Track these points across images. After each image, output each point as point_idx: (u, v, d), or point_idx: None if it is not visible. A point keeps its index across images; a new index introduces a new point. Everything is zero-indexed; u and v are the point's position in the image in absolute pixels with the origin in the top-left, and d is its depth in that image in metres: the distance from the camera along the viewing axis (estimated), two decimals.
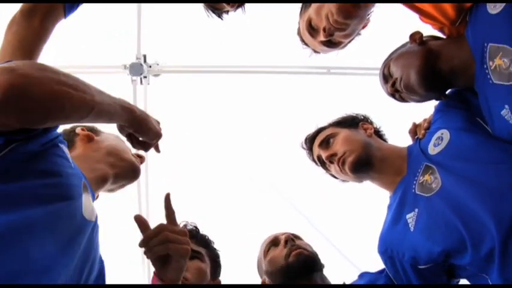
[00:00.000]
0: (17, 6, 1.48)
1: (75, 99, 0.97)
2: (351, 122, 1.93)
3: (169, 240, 1.23)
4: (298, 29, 1.86)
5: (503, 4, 1.33)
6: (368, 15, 1.73)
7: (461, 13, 1.51)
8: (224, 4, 1.60)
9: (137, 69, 2.97)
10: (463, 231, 1.42)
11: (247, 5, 1.79)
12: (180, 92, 3.53)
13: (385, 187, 1.81)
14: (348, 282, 1.87)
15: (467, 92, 1.64)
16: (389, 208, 1.77)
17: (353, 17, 1.62)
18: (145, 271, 3.21)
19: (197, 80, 3.48)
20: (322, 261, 1.87)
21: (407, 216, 1.63)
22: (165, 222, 1.29)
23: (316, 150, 1.91)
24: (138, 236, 1.28)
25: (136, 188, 3.14)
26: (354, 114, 1.98)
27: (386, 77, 1.69)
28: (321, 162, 1.90)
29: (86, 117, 1.05)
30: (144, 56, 3.03)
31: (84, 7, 1.60)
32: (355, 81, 3.24)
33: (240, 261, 2.54)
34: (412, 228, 1.60)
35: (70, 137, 1.53)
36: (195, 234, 1.88)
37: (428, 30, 1.67)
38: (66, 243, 1.07)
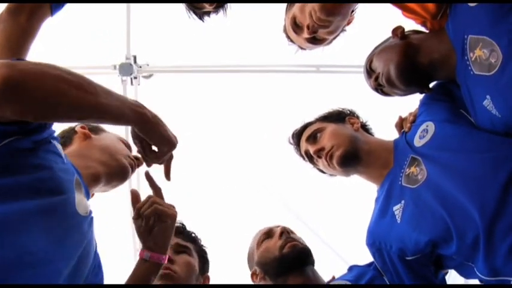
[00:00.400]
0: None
1: (73, 98, 0.97)
2: (338, 117, 1.94)
3: (157, 202, 1.38)
4: (284, 27, 1.88)
5: None
6: (352, 11, 1.76)
7: (441, 7, 1.53)
8: (204, 4, 1.61)
9: (127, 69, 2.97)
10: (448, 220, 1.45)
11: (235, 4, 1.80)
12: (171, 93, 3.55)
13: (373, 180, 1.82)
14: (337, 276, 1.89)
15: (451, 84, 1.66)
16: (376, 201, 1.79)
17: (336, 14, 1.64)
18: None
19: (188, 80, 3.49)
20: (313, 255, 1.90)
21: (394, 208, 1.65)
22: None
23: (304, 145, 1.92)
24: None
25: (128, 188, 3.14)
26: (341, 109, 2.00)
27: (369, 72, 1.72)
28: (309, 157, 1.91)
29: (88, 118, 1.07)
30: (134, 57, 3.04)
31: (72, 7, 1.61)
32: (344, 79, 3.26)
33: (233, 259, 2.55)
34: (399, 220, 1.62)
35: (69, 134, 1.57)
36: (181, 231, 1.90)
37: (413, 25, 1.70)
38: (61, 236, 1.09)
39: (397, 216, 1.63)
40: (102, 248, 1.40)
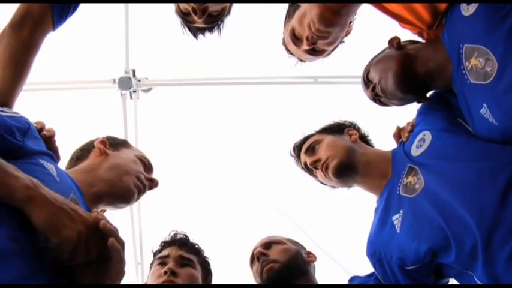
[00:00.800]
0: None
1: None
2: (337, 129, 1.96)
3: None
4: (283, 39, 1.90)
5: (476, 6, 1.37)
6: (350, 22, 1.77)
7: (436, 17, 1.55)
8: (195, 18, 1.61)
9: (126, 83, 2.98)
10: (446, 228, 1.45)
11: (233, 17, 1.81)
12: (171, 106, 3.56)
13: (372, 191, 1.83)
14: None
15: (448, 93, 1.67)
16: (376, 211, 1.79)
17: (334, 25, 1.66)
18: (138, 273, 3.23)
19: (187, 93, 3.50)
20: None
21: (393, 218, 1.65)
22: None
23: (303, 157, 1.94)
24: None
25: None
26: (341, 121, 2.02)
27: (367, 82, 1.73)
28: (308, 169, 1.93)
29: None
30: (133, 71, 3.05)
31: (72, 21, 1.63)
32: (342, 89, 3.28)
33: (233, 269, 2.55)
34: (398, 230, 1.62)
35: (88, 148, 1.57)
36: (185, 242, 1.91)
37: (410, 35, 1.72)
38: None
39: (396, 226, 1.63)
40: None
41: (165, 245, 1.96)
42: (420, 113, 1.78)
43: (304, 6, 1.69)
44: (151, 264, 1.95)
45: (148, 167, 1.60)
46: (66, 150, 1.62)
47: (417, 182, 1.59)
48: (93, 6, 1.65)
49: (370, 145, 1.96)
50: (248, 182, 3.67)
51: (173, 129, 3.61)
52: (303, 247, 2.07)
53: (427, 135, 1.66)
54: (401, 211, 1.62)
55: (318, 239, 3.15)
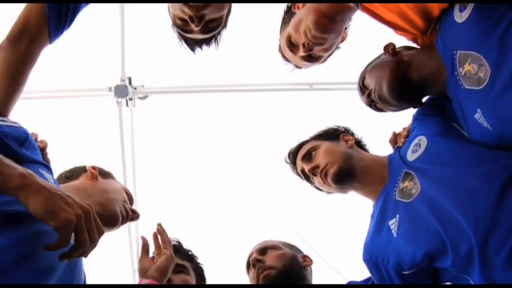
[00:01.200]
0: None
1: None
2: (332, 135, 1.97)
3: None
4: (279, 46, 1.91)
5: (468, 13, 1.39)
6: (345, 28, 1.79)
7: (430, 23, 1.56)
8: (193, 27, 1.62)
9: (122, 91, 2.98)
10: (442, 233, 1.45)
11: (229, 25, 1.82)
12: (167, 113, 3.57)
13: (369, 196, 1.84)
14: None
15: (442, 99, 1.68)
16: (372, 217, 1.80)
17: (330, 31, 1.68)
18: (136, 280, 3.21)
19: (183, 100, 3.51)
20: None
21: (390, 222, 1.66)
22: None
23: (300, 163, 1.94)
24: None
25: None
26: (335, 127, 2.03)
27: (362, 88, 1.75)
28: (305, 176, 1.93)
29: None
30: (129, 78, 3.05)
31: (68, 30, 1.64)
32: (338, 96, 3.29)
33: (230, 276, 2.55)
34: (395, 234, 1.63)
35: (78, 170, 1.62)
36: (178, 249, 1.92)
37: (405, 41, 1.73)
38: (46, 268, 1.09)
39: (393, 231, 1.64)
40: (101, 269, 1.40)
41: None
42: (415, 118, 1.80)
43: (300, 13, 1.71)
44: None
45: (130, 199, 1.67)
46: (62, 159, 1.65)
47: (413, 187, 1.60)
48: (88, 14, 1.65)
49: (366, 150, 1.97)
50: (242, 187, 3.68)
51: (169, 137, 3.62)
52: (299, 251, 2.07)
53: (423, 140, 1.67)
54: (398, 216, 1.63)
55: (314, 244, 3.15)
